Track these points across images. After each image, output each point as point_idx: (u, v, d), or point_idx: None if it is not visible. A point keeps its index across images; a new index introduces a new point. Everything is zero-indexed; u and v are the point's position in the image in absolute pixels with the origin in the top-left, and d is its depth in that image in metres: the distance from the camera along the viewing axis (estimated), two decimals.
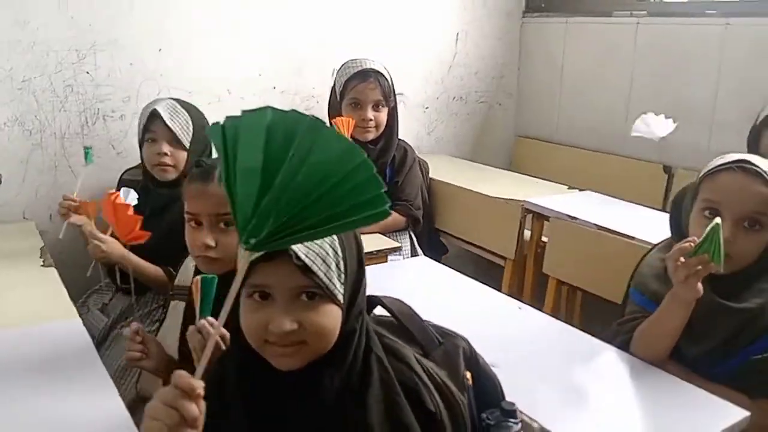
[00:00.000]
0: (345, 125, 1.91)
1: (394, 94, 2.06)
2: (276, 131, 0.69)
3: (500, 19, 3.03)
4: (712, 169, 1.25)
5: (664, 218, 1.40)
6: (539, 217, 2.19)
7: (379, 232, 1.95)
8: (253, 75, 2.36)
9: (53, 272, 1.61)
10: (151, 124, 1.85)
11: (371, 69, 2.01)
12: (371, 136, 1.99)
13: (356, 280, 0.84)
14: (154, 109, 1.83)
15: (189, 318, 1.24)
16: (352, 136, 1.93)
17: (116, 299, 1.90)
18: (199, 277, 1.05)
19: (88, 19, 2.07)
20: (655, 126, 2.01)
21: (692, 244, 1.14)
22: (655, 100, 2.50)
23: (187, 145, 1.87)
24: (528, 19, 3.07)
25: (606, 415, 1.09)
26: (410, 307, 0.96)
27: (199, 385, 0.65)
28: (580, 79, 2.87)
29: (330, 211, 0.69)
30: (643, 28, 2.58)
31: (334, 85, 2.09)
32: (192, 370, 0.67)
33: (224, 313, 0.67)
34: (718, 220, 1.12)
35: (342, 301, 0.81)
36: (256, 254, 0.66)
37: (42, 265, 1.66)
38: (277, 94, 2.41)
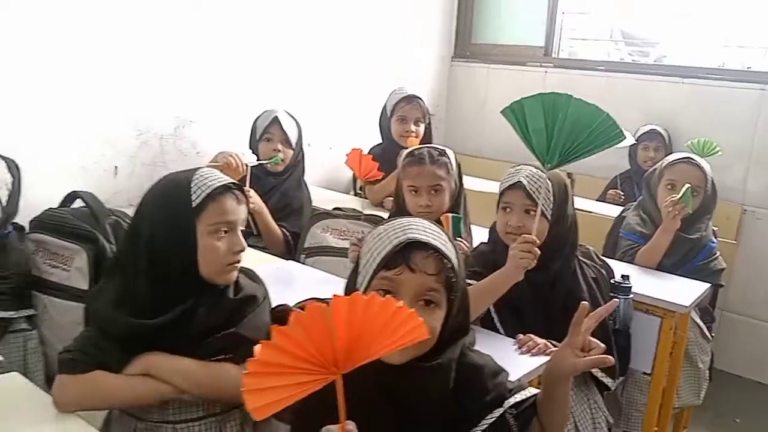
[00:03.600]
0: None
1: (429, 116, 2.82)
2: (547, 103, 1.46)
3: (434, 62, 3.93)
4: (671, 162, 2.24)
5: None
6: None
7: None
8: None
9: None
10: (271, 126, 2.42)
11: (413, 94, 2.77)
12: (415, 143, 2.71)
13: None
14: (276, 116, 2.42)
15: None
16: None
17: None
18: (449, 214, 1.74)
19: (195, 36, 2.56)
20: None
21: (673, 199, 2.09)
22: None
23: (294, 145, 2.47)
24: (456, 62, 4.02)
25: None
26: None
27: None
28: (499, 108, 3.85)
29: (588, 141, 1.45)
30: (551, 75, 3.65)
31: (385, 106, 2.81)
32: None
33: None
34: (688, 185, 2.09)
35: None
36: None
37: None
38: None
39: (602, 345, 1.11)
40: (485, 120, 3.90)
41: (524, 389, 1.16)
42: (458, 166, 1.95)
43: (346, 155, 2.23)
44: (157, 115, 2.52)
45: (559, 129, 1.43)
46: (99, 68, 2.31)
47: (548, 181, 1.56)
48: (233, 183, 1.29)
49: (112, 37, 2.33)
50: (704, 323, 2.27)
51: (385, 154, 2.68)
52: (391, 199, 2.58)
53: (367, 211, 2.23)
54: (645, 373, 1.98)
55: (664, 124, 3.20)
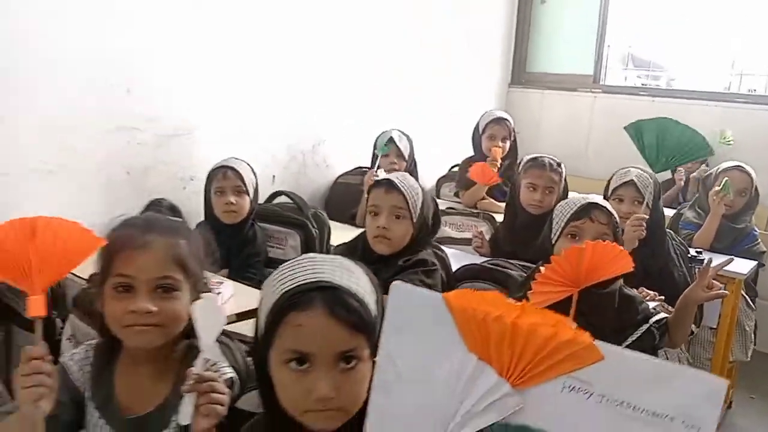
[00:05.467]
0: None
1: (514, 133, 3.43)
2: (660, 123, 2.08)
3: (494, 88, 4.55)
4: (725, 168, 2.83)
5: None
6: None
7: None
8: None
9: None
10: (388, 144, 3.04)
11: (502, 116, 3.38)
12: (499, 153, 3.30)
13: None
14: (391, 136, 3.04)
15: None
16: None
17: None
18: None
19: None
20: None
21: (716, 190, 2.69)
22: (608, 146, 4.16)
23: (407, 157, 3.08)
24: (513, 89, 4.64)
25: None
26: None
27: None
28: (552, 129, 4.48)
29: (685, 153, 2.08)
30: (599, 100, 4.27)
31: (478, 124, 3.41)
32: None
33: None
34: (726, 178, 2.69)
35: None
36: None
37: None
38: None
39: (720, 285, 1.70)
40: (539, 139, 4.51)
41: (659, 313, 1.75)
42: (565, 178, 2.55)
43: (469, 167, 2.84)
44: (303, 135, 3.14)
45: (666, 143, 2.04)
46: (279, 97, 2.95)
47: (656, 180, 2.18)
48: None
49: (293, 72, 2.99)
50: (749, 296, 2.86)
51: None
52: (485, 201, 3.21)
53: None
54: (711, 328, 2.56)
55: None
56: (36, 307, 1.01)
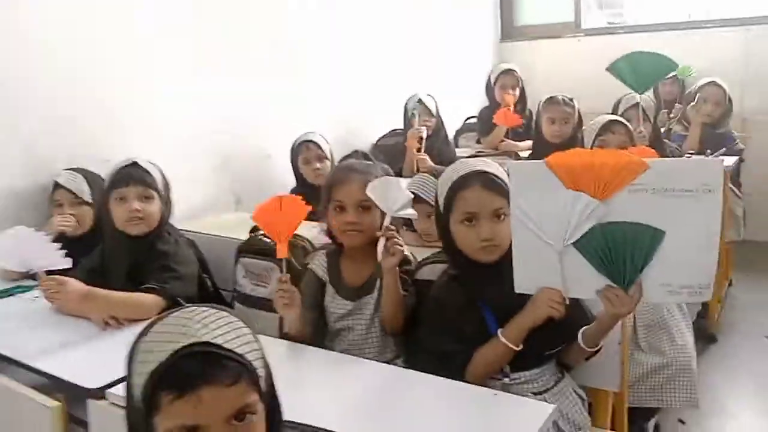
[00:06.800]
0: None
1: (521, 81, 3.98)
2: (628, 59, 2.67)
3: (488, 45, 5.09)
4: (701, 85, 3.41)
5: None
6: None
7: None
8: None
9: None
10: (417, 106, 3.58)
11: (510, 68, 3.93)
12: (512, 100, 3.84)
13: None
14: (419, 98, 3.58)
15: None
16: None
17: None
18: None
19: None
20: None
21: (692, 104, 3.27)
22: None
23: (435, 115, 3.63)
24: (505, 43, 5.18)
25: None
26: None
27: None
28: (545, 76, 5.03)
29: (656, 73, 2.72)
30: (583, 43, 4.83)
31: (489, 77, 3.97)
32: None
33: None
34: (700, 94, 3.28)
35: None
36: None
37: None
38: None
39: None
40: (534, 84, 5.04)
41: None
42: (578, 110, 3.12)
43: (488, 116, 3.40)
44: (345, 111, 3.68)
45: (640, 69, 2.61)
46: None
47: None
48: None
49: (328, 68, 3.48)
50: (735, 187, 3.48)
51: (492, 113, 3.84)
52: (503, 142, 3.77)
53: None
54: None
55: None
56: (281, 250, 1.53)
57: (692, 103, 3.29)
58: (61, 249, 1.72)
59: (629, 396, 1.77)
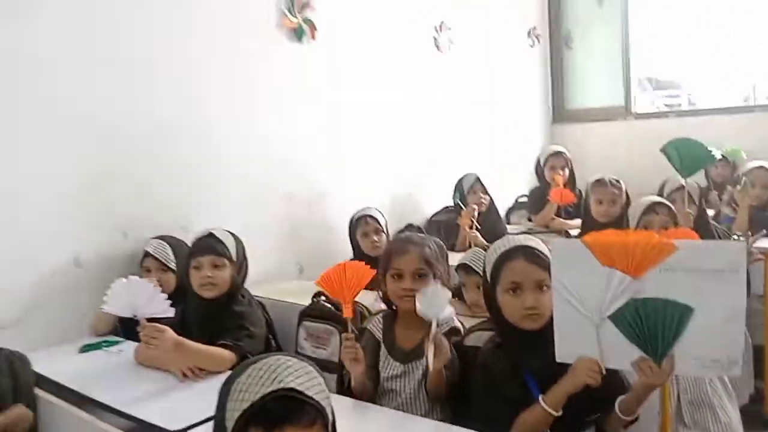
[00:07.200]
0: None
1: (570, 162, 4.15)
2: (675, 144, 2.81)
3: (539, 126, 5.30)
4: (750, 168, 3.50)
5: None
6: None
7: None
8: None
9: None
10: (475, 184, 3.78)
11: (559, 150, 4.11)
12: (561, 180, 4.00)
13: None
14: (476, 176, 3.78)
15: None
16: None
17: None
18: None
19: None
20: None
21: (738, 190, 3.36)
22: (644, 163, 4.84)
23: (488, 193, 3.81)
24: (556, 126, 5.39)
25: None
26: None
27: None
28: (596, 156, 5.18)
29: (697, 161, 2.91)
30: (632, 126, 4.98)
31: (539, 158, 4.16)
32: None
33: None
34: (745, 179, 3.36)
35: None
36: None
37: None
38: None
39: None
40: (585, 166, 5.18)
41: None
42: (626, 191, 3.25)
43: (540, 195, 3.58)
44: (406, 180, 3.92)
45: (685, 154, 2.74)
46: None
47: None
48: None
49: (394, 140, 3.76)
50: None
51: (542, 193, 4.01)
52: (554, 221, 3.90)
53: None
54: (759, 296, 3.19)
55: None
56: (347, 310, 1.69)
57: (739, 186, 3.38)
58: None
59: None
